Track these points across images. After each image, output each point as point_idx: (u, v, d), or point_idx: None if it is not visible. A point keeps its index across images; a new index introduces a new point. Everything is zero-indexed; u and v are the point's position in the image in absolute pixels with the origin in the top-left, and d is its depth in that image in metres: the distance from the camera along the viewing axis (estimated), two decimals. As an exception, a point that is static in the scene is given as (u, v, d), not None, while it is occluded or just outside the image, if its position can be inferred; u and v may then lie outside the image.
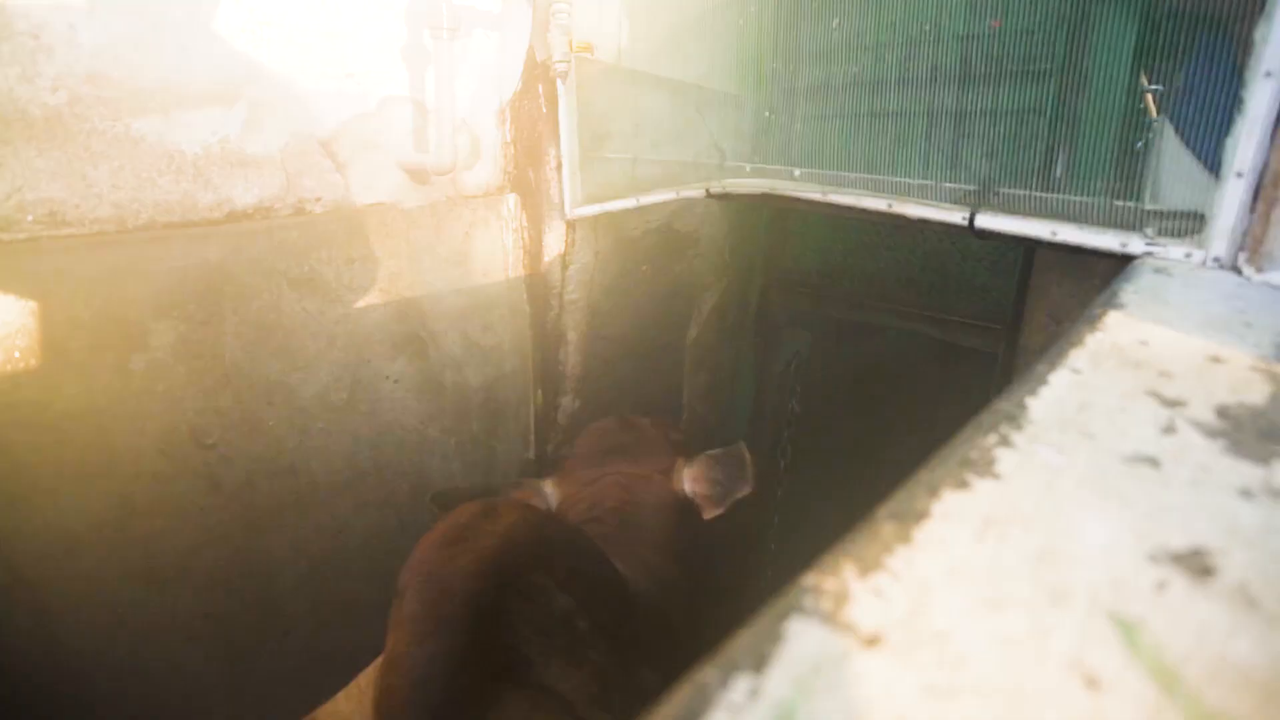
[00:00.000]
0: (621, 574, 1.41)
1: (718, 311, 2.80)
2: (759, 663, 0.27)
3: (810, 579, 0.32)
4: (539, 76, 2.07)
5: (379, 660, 1.12)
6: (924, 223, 1.34)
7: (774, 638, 0.28)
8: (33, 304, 1.38)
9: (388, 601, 2.09)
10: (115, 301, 1.47)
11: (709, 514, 1.47)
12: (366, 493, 1.97)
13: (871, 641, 0.29)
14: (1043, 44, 1.46)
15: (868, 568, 0.34)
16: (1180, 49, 1.27)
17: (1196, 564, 0.35)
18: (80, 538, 1.51)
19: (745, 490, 1.57)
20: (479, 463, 2.21)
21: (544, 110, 2.09)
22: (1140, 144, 1.47)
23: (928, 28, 1.34)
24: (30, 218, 1.38)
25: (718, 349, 2.87)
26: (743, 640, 0.28)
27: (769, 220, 2.80)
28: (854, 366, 2.78)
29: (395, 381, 1.97)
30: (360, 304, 1.87)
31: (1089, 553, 0.36)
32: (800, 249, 2.78)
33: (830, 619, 0.30)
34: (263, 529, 1.80)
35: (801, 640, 0.29)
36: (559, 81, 1.99)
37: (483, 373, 2.15)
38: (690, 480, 1.51)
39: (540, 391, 2.32)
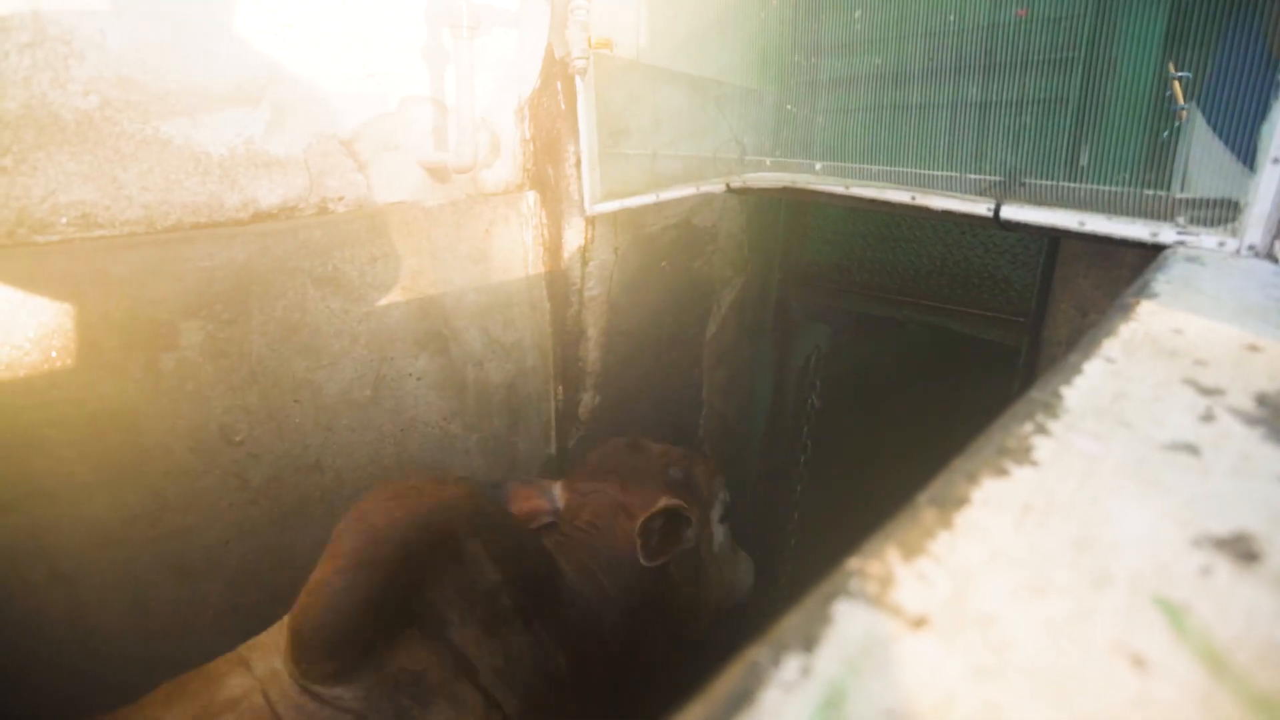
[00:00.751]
0: (561, 572, 1.48)
1: (736, 307, 2.79)
2: (809, 643, 0.27)
3: (855, 563, 0.33)
4: (557, 73, 2.08)
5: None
6: (948, 215, 1.33)
7: (823, 619, 0.29)
8: (67, 305, 1.41)
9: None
10: (146, 301, 1.50)
11: (645, 561, 1.48)
12: (390, 488, 2.00)
13: (918, 623, 0.29)
14: (1069, 32, 1.44)
15: (911, 552, 0.34)
16: (1212, 33, 1.25)
17: (1241, 549, 0.35)
18: (114, 532, 1.54)
19: (680, 547, 1.58)
20: (501, 459, 2.22)
21: (563, 107, 2.10)
22: (1167, 133, 1.45)
23: (951, 18, 1.33)
24: (64, 220, 1.42)
25: (737, 344, 2.86)
26: (792, 621, 0.28)
27: (787, 215, 2.79)
28: (874, 361, 2.77)
29: (418, 378, 1.99)
30: (383, 302, 1.89)
31: (1130, 539, 0.36)
32: (819, 243, 2.77)
33: (877, 601, 0.30)
34: (289, 524, 1.83)
35: (850, 622, 0.29)
36: (578, 78, 2.00)
37: (504, 369, 2.17)
38: (640, 526, 1.51)
39: (560, 387, 2.34)
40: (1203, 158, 1.16)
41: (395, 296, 1.91)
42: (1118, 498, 0.39)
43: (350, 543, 1.21)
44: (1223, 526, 0.37)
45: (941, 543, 0.35)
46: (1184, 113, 1.40)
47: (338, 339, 1.83)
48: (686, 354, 2.69)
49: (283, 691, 1.15)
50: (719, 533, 1.80)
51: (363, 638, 1.16)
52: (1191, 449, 0.45)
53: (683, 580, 1.66)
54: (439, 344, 2.01)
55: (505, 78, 2.06)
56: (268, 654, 1.23)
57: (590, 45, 1.93)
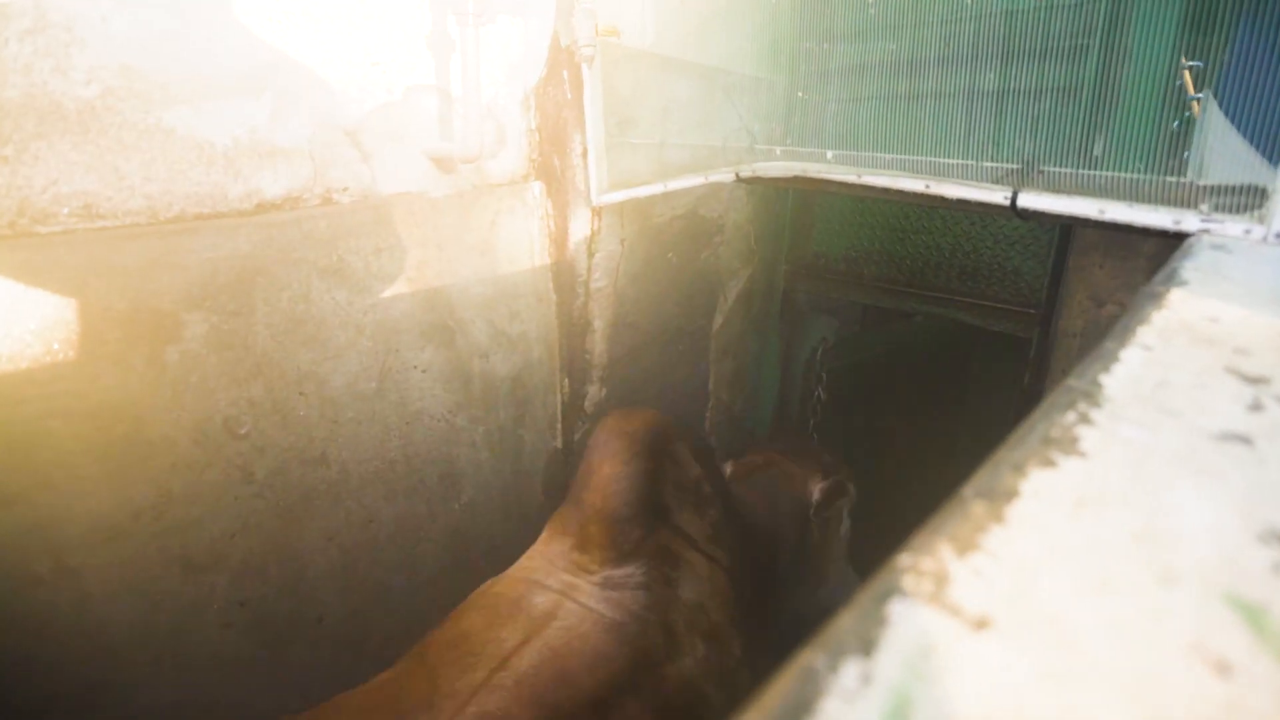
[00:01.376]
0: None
1: (743, 298, 2.77)
2: (867, 647, 0.26)
3: (905, 559, 0.31)
4: (564, 62, 2.05)
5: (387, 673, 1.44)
6: (963, 204, 1.31)
7: (878, 621, 0.27)
8: (69, 296, 1.40)
9: (418, 589, 2.11)
10: (149, 293, 1.48)
11: (812, 514, 1.98)
12: (395, 481, 1.99)
13: (980, 624, 0.28)
14: (1085, 18, 1.41)
15: (964, 548, 0.32)
16: (1232, 14, 1.22)
17: (1311, 545, 0.33)
18: (120, 526, 1.53)
19: (837, 507, 2.08)
20: (507, 451, 2.21)
21: (569, 96, 2.08)
22: (1177, 123, 1.42)
23: (969, 2, 1.30)
24: (65, 210, 1.40)
25: (744, 336, 2.84)
26: (845, 623, 0.27)
27: (795, 205, 2.77)
28: (881, 352, 2.75)
29: (423, 370, 1.97)
30: (388, 293, 1.87)
31: (1193, 533, 0.34)
32: (826, 234, 2.74)
33: (934, 600, 0.29)
34: (295, 517, 1.81)
35: (908, 623, 0.27)
36: (584, 67, 1.97)
37: (510, 361, 2.15)
38: (818, 491, 1.97)
39: (567, 379, 2.32)
40: (1227, 143, 1.14)
41: (400, 288, 1.89)
42: (1174, 489, 0.38)
43: (621, 446, 1.56)
44: (1288, 520, 0.35)
45: (995, 537, 0.33)
46: (1196, 103, 1.38)
47: (343, 331, 1.81)
48: (693, 346, 2.67)
49: (585, 592, 1.43)
50: (846, 522, 2.17)
51: (646, 517, 1.49)
52: (1244, 439, 0.43)
53: (816, 540, 2.05)
54: (444, 336, 1.99)
55: (511, 67, 2.03)
56: (550, 572, 1.54)
57: (597, 33, 1.91)
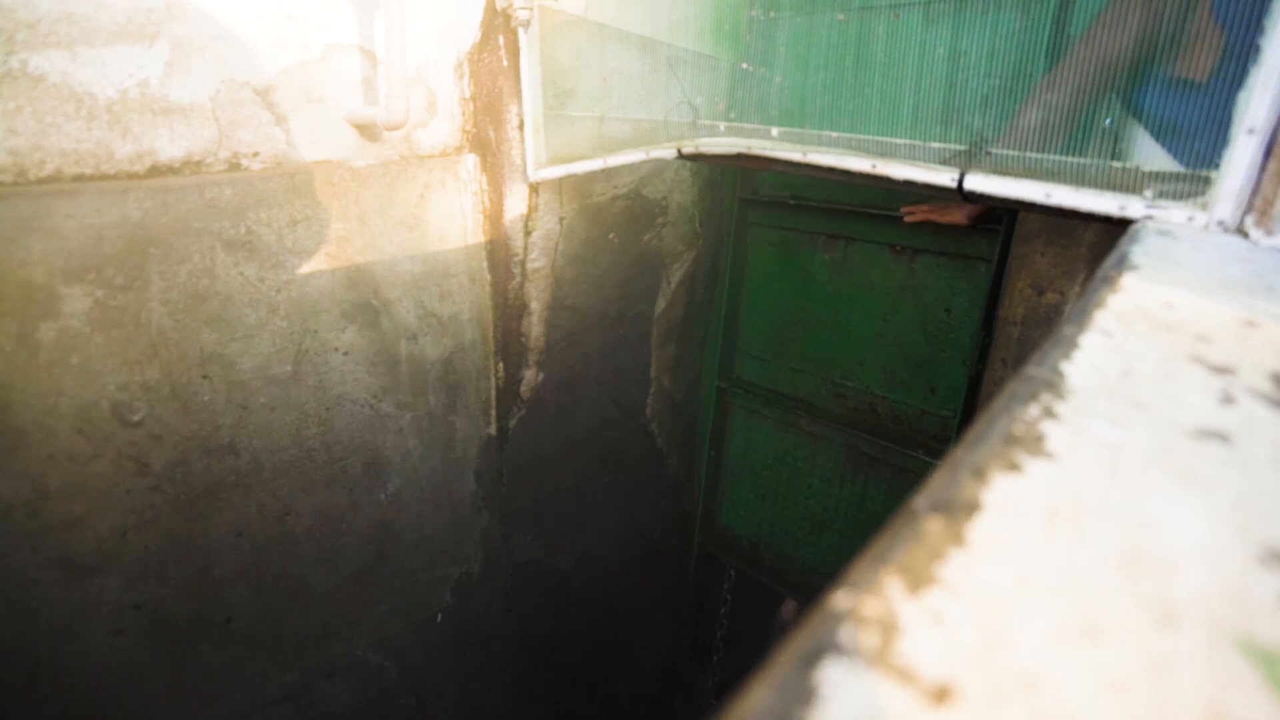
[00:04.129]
0: None
1: (687, 283, 2.71)
2: (787, 737, 0.19)
3: (843, 600, 0.24)
4: (500, 26, 1.93)
5: None
6: (910, 184, 1.26)
7: (804, 695, 0.20)
8: (-80, 263, 1.22)
9: (340, 584, 1.98)
10: (16, 262, 1.31)
11: None
12: (314, 471, 1.85)
13: (940, 696, 0.21)
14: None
15: (918, 581, 0.25)
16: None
17: (1316, 567, 0.28)
18: (-14, 524, 1.36)
19: None
20: (438, 439, 2.09)
21: (505, 64, 1.95)
22: (1109, 120, 1.41)
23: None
24: (-88, 165, 1.22)
25: (686, 321, 2.78)
26: (759, 700, 0.19)
27: (740, 186, 2.71)
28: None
29: (345, 353, 1.84)
30: (305, 269, 1.73)
31: (1186, 553, 0.28)
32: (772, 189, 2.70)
33: (880, 660, 0.22)
34: (199, 511, 1.67)
35: (843, 697, 0.20)
36: (521, 32, 1.86)
37: (440, 344, 2.03)
38: None
39: (502, 363, 2.21)
40: (1173, 127, 1.12)
41: (319, 264, 1.75)
42: (1157, 497, 0.32)
43: None
44: (1286, 536, 0.30)
45: (955, 566, 0.27)
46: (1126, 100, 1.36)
47: (253, 309, 1.66)
48: (634, 330, 2.60)
49: None
50: None
51: None
52: (1221, 436, 0.38)
53: None
54: (368, 316, 1.86)
55: (443, 29, 1.90)
56: None
57: (534, -5, 1.79)
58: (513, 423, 2.28)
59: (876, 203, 2.36)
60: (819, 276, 2.59)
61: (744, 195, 2.72)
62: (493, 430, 2.24)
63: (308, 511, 1.87)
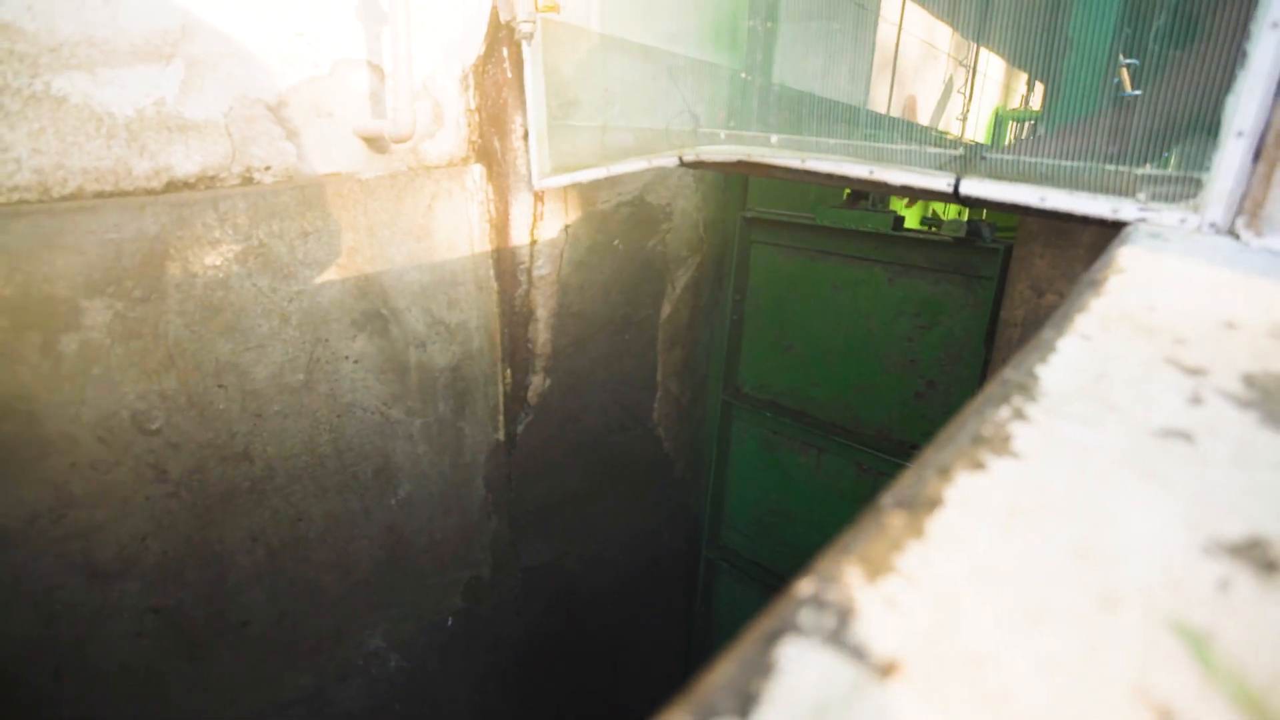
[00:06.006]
0: None
1: (692, 287, 2.73)
2: (744, 704, 0.21)
3: (807, 587, 0.26)
4: (504, 39, 1.96)
5: None
6: (907, 189, 1.28)
7: (763, 669, 0.22)
8: (-53, 279, 1.27)
9: (353, 588, 2.02)
10: (41, 277, 1.35)
11: None
12: (326, 477, 1.89)
13: (888, 670, 0.23)
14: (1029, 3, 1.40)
15: (876, 570, 0.28)
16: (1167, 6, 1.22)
17: (1258, 557, 0.30)
18: (10, 531, 1.40)
19: None
20: (447, 444, 2.13)
21: (509, 75, 1.99)
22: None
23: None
24: (-60, 184, 1.26)
25: (692, 325, 2.80)
26: (722, 674, 0.22)
27: (744, 191, 2.73)
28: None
29: (355, 361, 1.87)
30: (316, 280, 1.77)
31: (1135, 546, 0.30)
32: (770, 202, 2.71)
33: (835, 640, 0.24)
34: (215, 517, 1.70)
35: (800, 671, 0.22)
36: (524, 44, 1.89)
37: (449, 351, 2.06)
38: None
39: (509, 370, 2.24)
40: (1164, 131, 1.14)
41: (330, 274, 1.79)
42: (1115, 494, 0.34)
43: None
44: (1234, 528, 0.32)
45: (913, 556, 0.29)
46: (1133, 100, 1.38)
47: (266, 319, 1.70)
48: (640, 335, 2.62)
49: None
50: None
51: None
52: (1186, 436, 0.40)
53: None
54: (378, 325, 1.90)
55: (448, 43, 1.94)
56: None
57: (537, 9, 1.83)
58: (520, 428, 2.31)
59: (868, 226, 2.36)
60: (824, 295, 2.59)
61: (746, 215, 2.73)
62: (501, 436, 2.27)
63: (320, 517, 1.90)
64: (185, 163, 1.55)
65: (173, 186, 1.54)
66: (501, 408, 2.23)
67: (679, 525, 3.13)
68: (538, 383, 2.30)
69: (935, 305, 2.34)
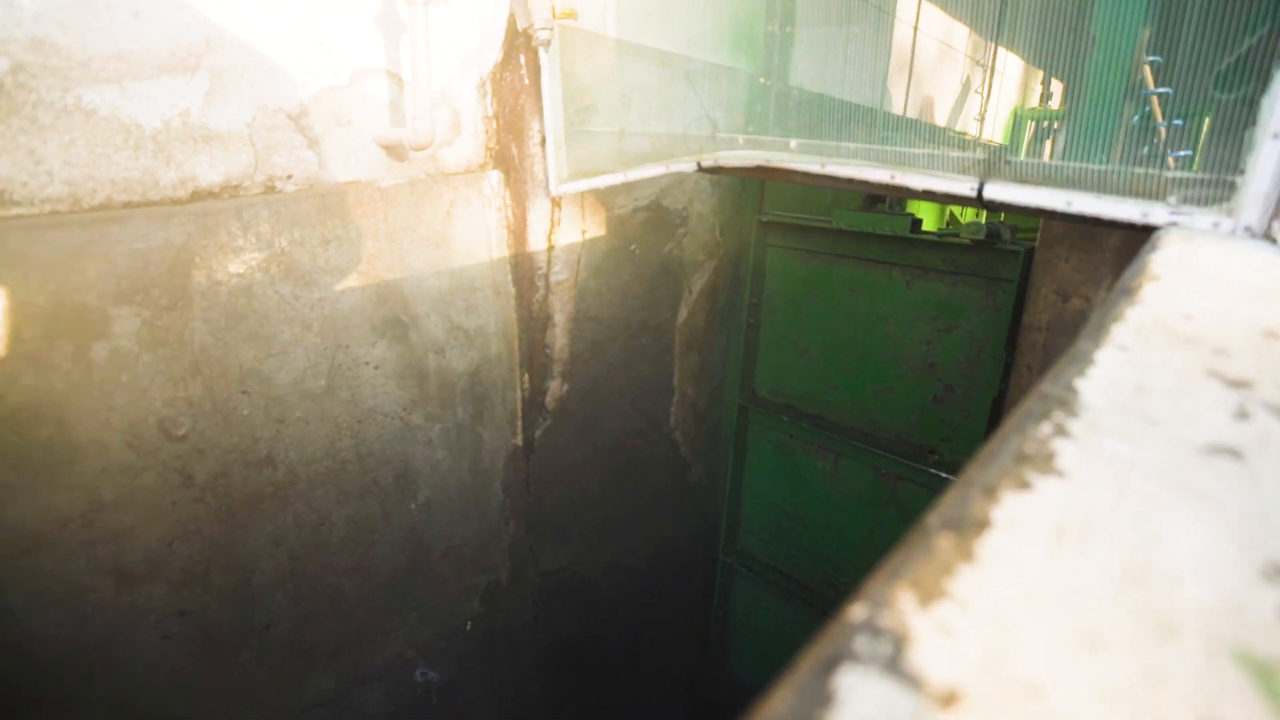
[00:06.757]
0: None
1: (708, 291, 2.73)
2: (808, 737, 0.21)
3: (860, 611, 0.26)
4: (521, 46, 1.97)
5: None
6: (929, 194, 1.27)
7: (823, 698, 0.22)
8: (-19, 289, 1.29)
9: (373, 593, 2.03)
10: (72, 286, 1.38)
11: None
12: (347, 482, 1.90)
13: (948, 700, 0.23)
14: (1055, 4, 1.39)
15: (929, 595, 0.28)
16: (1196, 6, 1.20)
17: (1317, 581, 0.29)
18: (44, 535, 1.43)
19: None
20: (465, 449, 2.14)
21: (526, 82, 2.00)
22: (1137, 117, 1.41)
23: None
24: (-26, 196, 1.29)
25: (709, 329, 2.80)
26: (782, 702, 0.21)
27: (760, 195, 2.73)
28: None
29: (375, 367, 1.89)
30: (337, 287, 1.78)
31: (1188, 569, 0.30)
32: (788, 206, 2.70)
33: (892, 668, 0.24)
34: (240, 522, 1.72)
35: (860, 701, 0.22)
36: (541, 51, 1.90)
37: (467, 357, 2.07)
38: None
39: (527, 375, 2.25)
40: (1196, 133, 1.12)
41: (350, 281, 1.81)
42: (1163, 513, 0.33)
43: None
44: (1290, 551, 0.31)
45: (964, 581, 0.28)
46: (1156, 99, 1.36)
47: (288, 326, 1.72)
48: (657, 340, 2.62)
49: None
50: None
51: None
52: (1233, 452, 0.39)
53: None
54: (398, 331, 1.91)
55: (466, 51, 1.95)
56: None
57: (554, 15, 1.83)
58: (538, 433, 2.31)
59: (886, 229, 2.35)
60: (841, 298, 2.58)
61: (762, 218, 2.72)
62: (519, 441, 2.28)
63: (341, 522, 1.92)
64: (210, 172, 1.57)
65: (198, 196, 1.56)
66: (519, 413, 2.24)
67: (696, 529, 3.12)
68: (555, 388, 2.30)
69: (954, 308, 2.31)
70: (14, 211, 1.33)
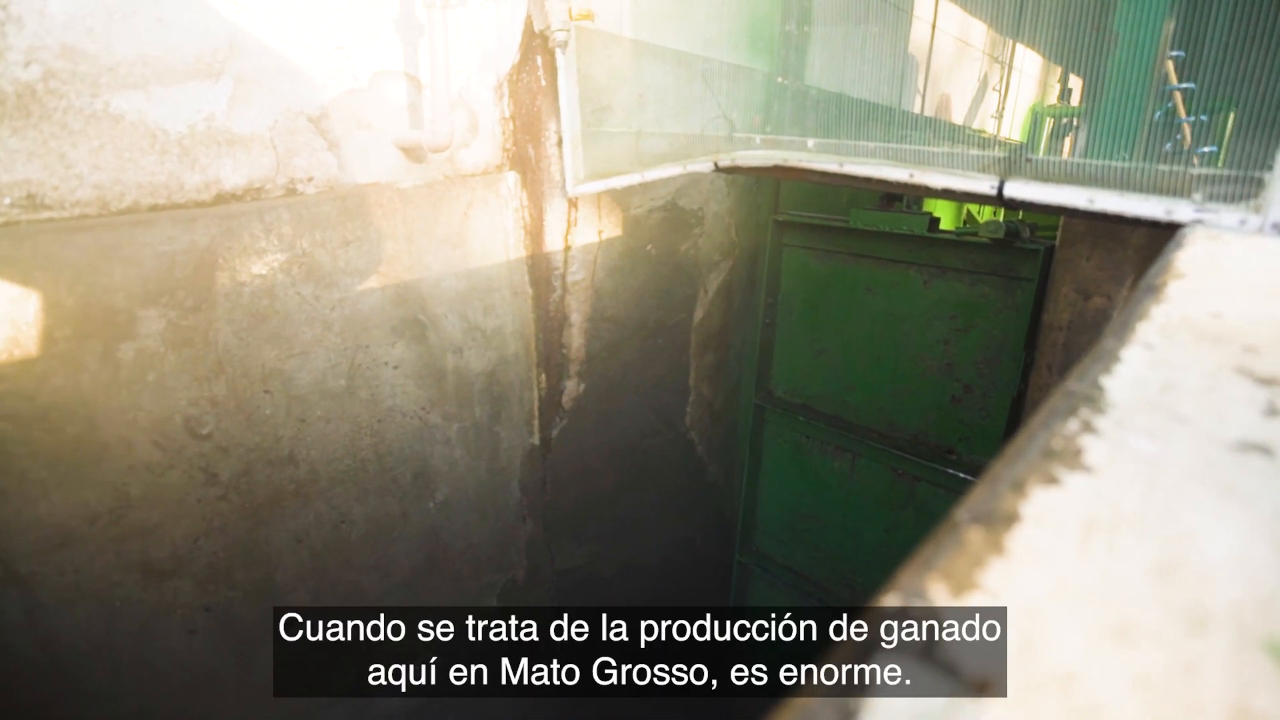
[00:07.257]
0: None
1: (724, 291, 2.73)
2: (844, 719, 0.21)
3: (893, 601, 0.26)
4: (538, 47, 1.98)
5: None
6: (948, 193, 1.27)
7: (859, 687, 0.22)
8: (13, 291, 1.32)
9: (392, 590, 2.05)
10: (100, 288, 1.41)
11: None
12: (367, 480, 1.92)
13: (982, 688, 0.23)
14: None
15: (960, 586, 0.28)
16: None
17: (1350, 576, 0.29)
18: (73, 531, 1.46)
19: None
20: (483, 449, 2.15)
21: (543, 83, 2.01)
22: (1159, 113, 1.39)
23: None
24: (7, 200, 1.32)
25: (724, 329, 2.80)
26: (820, 688, 0.22)
27: (776, 195, 2.72)
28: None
29: (395, 367, 1.91)
30: (357, 287, 1.81)
31: (1219, 563, 0.30)
32: (806, 204, 2.70)
33: (927, 657, 0.24)
34: (262, 519, 1.75)
35: (896, 688, 0.23)
36: (558, 52, 1.91)
37: (485, 357, 2.09)
38: None
39: (544, 375, 2.26)
40: (1221, 129, 1.11)
41: (370, 282, 1.83)
42: (1193, 509, 0.33)
43: None
44: (1322, 546, 0.31)
45: (995, 573, 0.29)
46: (1179, 94, 1.34)
47: (309, 326, 1.74)
48: (673, 340, 2.63)
49: None
50: None
51: None
52: (1264, 449, 0.39)
53: None
54: (416, 331, 1.93)
55: (483, 53, 1.96)
56: None
57: (571, 17, 1.84)
58: (555, 432, 2.33)
59: (903, 228, 2.33)
60: (858, 298, 2.57)
61: (778, 218, 2.71)
62: (536, 440, 2.29)
63: (361, 520, 1.94)
64: (233, 175, 1.60)
65: (221, 199, 1.59)
66: (536, 412, 2.25)
67: (711, 529, 3.12)
68: (572, 387, 2.32)
69: (972, 308, 2.30)
70: (45, 215, 1.36)
